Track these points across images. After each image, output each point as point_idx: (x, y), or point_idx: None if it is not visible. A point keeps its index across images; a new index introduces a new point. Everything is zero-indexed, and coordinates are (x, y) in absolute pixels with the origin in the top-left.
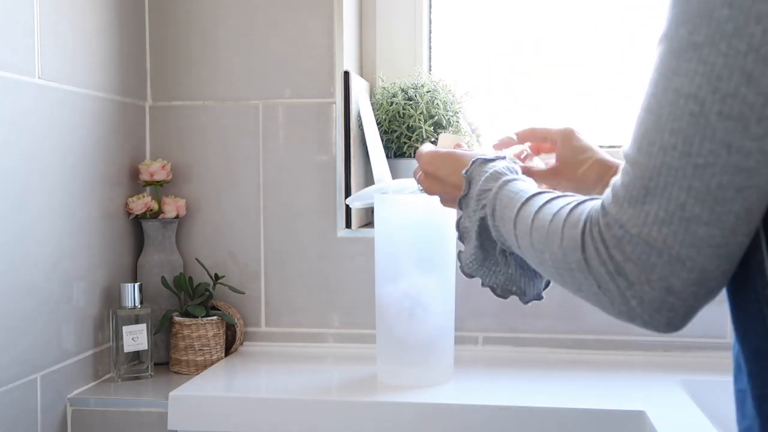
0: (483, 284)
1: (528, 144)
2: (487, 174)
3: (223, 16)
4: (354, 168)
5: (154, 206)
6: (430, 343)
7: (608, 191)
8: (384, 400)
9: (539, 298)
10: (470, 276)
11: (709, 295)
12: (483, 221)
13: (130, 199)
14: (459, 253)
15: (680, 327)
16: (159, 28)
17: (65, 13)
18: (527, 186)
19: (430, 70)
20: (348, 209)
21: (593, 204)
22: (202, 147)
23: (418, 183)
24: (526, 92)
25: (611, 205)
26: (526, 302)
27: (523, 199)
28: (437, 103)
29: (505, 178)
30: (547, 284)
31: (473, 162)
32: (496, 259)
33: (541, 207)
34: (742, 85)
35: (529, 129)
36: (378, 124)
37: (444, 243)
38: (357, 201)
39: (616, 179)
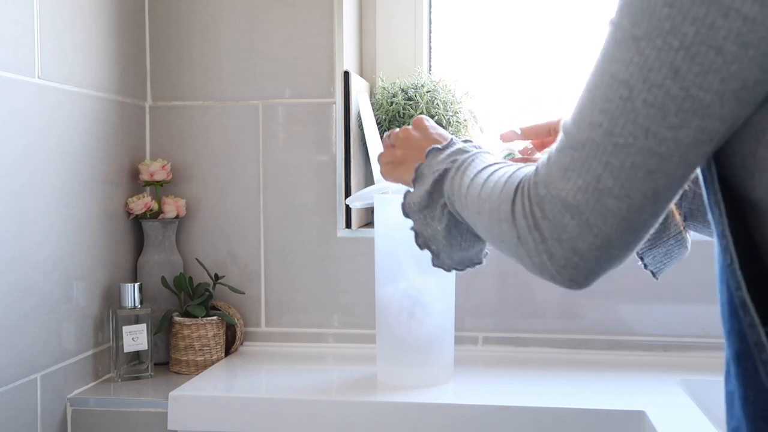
0: (411, 227)
1: (530, 141)
2: (471, 143)
3: (223, 16)
4: (354, 168)
5: (154, 206)
6: (430, 343)
7: (544, 156)
8: (384, 400)
9: (447, 269)
10: (406, 215)
11: (610, 262)
12: (445, 173)
13: (130, 199)
14: (406, 192)
15: (582, 286)
16: (159, 28)
17: (65, 13)
18: (493, 158)
19: (430, 70)
20: (348, 209)
21: (533, 168)
22: (202, 147)
23: (390, 138)
24: (526, 92)
25: (543, 168)
26: (434, 264)
27: (488, 163)
28: (437, 103)
29: (485, 150)
30: (460, 264)
31: (449, 142)
32: (434, 212)
33: (498, 169)
34: (668, 78)
35: (533, 126)
36: (378, 124)
37: None
38: (357, 201)
39: (553, 146)
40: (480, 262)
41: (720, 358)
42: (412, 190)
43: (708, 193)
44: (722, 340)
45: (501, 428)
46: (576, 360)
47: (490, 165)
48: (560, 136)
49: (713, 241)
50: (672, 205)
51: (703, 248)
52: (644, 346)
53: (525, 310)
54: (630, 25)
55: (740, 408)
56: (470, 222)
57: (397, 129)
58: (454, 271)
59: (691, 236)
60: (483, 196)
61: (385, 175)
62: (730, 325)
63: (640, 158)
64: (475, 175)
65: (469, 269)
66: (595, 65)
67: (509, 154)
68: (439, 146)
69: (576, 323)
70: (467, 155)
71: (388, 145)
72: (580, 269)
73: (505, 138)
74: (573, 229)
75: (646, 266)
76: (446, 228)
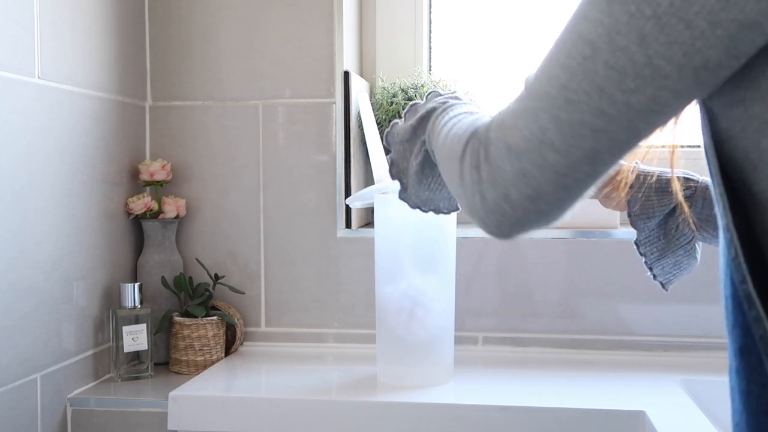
0: (390, 156)
1: None
2: (470, 99)
3: (223, 16)
4: (354, 168)
5: (154, 206)
6: (430, 343)
7: (506, 103)
8: (384, 400)
9: (412, 205)
10: (388, 144)
11: (538, 216)
12: (432, 111)
13: (130, 199)
14: (394, 122)
15: (507, 235)
16: (159, 28)
17: (65, 13)
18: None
19: (430, 70)
20: (348, 209)
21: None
22: (202, 147)
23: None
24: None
25: (499, 114)
26: (400, 197)
27: (472, 112)
28: None
29: (470, 98)
30: (427, 207)
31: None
32: (413, 147)
33: (474, 114)
34: (633, 44)
35: None
36: (378, 124)
37: (444, 243)
38: (357, 201)
39: (515, 95)
40: (446, 212)
41: (720, 358)
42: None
43: (713, 188)
44: (722, 340)
45: (501, 428)
46: (576, 360)
47: (470, 112)
48: (522, 87)
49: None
50: (682, 206)
51: (703, 248)
52: (644, 346)
53: (525, 310)
54: None
55: (741, 402)
56: (436, 161)
57: None
58: (417, 210)
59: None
60: (448, 135)
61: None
62: (734, 318)
63: (588, 116)
64: (452, 118)
65: (432, 213)
66: (567, 23)
67: None
68: (440, 91)
69: (576, 323)
70: (458, 101)
71: None
72: (507, 216)
73: None
74: (509, 175)
75: (655, 277)
76: (420, 164)
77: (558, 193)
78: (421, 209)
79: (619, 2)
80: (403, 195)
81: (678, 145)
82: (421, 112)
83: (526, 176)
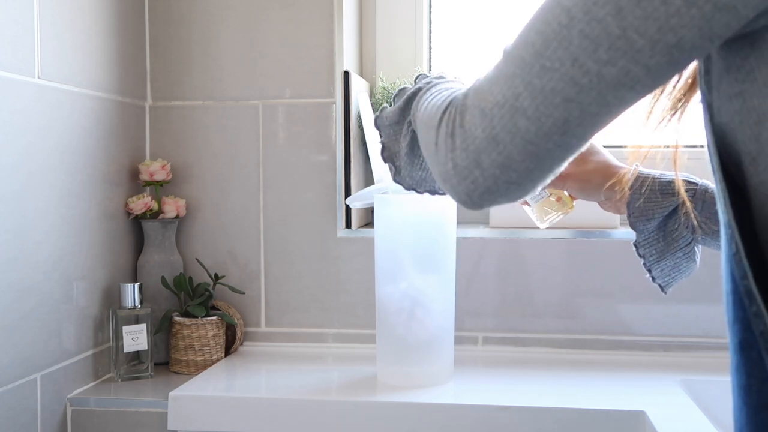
0: (380, 140)
1: None
2: (457, 77)
3: (223, 16)
4: (354, 168)
5: (154, 206)
6: (430, 343)
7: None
8: (384, 400)
9: (407, 187)
10: (377, 128)
11: (509, 186)
12: (417, 91)
13: (130, 199)
14: (382, 108)
15: (477, 204)
16: (159, 28)
17: (65, 13)
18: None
19: (430, 70)
20: (348, 209)
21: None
22: (202, 147)
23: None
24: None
25: (477, 81)
26: (395, 180)
27: (451, 86)
28: None
29: (463, 80)
30: (422, 188)
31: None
32: (401, 128)
33: (453, 86)
34: (609, 15)
35: None
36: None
37: (444, 243)
38: (357, 201)
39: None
40: (441, 193)
41: (720, 358)
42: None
43: (715, 182)
44: (722, 340)
45: (501, 428)
46: (576, 360)
47: (451, 88)
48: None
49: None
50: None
51: (703, 248)
52: (644, 346)
53: (525, 310)
54: None
55: (741, 397)
56: (419, 137)
57: None
58: (413, 192)
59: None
60: (427, 109)
61: None
62: (734, 314)
63: (561, 84)
64: (433, 93)
65: (428, 194)
66: None
67: None
68: (427, 73)
69: (576, 323)
70: (442, 80)
71: None
72: (478, 184)
73: None
74: (481, 142)
75: (654, 279)
76: (409, 145)
77: (527, 162)
78: (416, 191)
79: None
80: (397, 178)
81: (681, 145)
82: (407, 93)
83: (498, 142)
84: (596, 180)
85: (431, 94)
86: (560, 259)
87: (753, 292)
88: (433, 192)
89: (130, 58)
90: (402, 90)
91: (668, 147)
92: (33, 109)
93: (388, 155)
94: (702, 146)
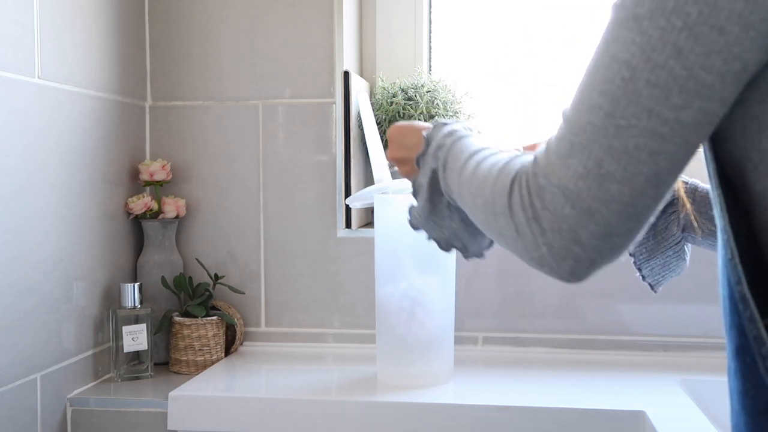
0: (428, 237)
1: None
2: (444, 132)
3: (223, 16)
4: (354, 168)
5: (154, 206)
6: (430, 343)
7: (543, 145)
8: (384, 400)
9: (480, 255)
10: (416, 228)
11: (612, 251)
12: (434, 173)
13: (130, 199)
14: (410, 207)
15: (582, 277)
16: (159, 28)
17: (65, 13)
18: (479, 141)
19: (430, 70)
20: (348, 209)
21: (530, 157)
22: (202, 147)
23: (386, 155)
24: (526, 92)
25: (542, 157)
26: (467, 257)
27: (471, 152)
28: (437, 103)
29: (460, 134)
30: (491, 243)
31: (434, 125)
32: (442, 213)
33: (486, 158)
34: (671, 58)
35: (536, 143)
36: (378, 124)
37: None
38: (357, 201)
39: (552, 134)
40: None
41: (720, 358)
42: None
43: (712, 188)
44: (722, 340)
45: (501, 428)
46: (576, 360)
47: (475, 153)
48: (560, 123)
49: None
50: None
51: (703, 248)
52: (644, 346)
53: (525, 310)
54: (633, 5)
55: (738, 402)
56: (471, 217)
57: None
58: (485, 254)
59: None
60: (474, 191)
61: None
62: (730, 319)
63: (642, 140)
64: (462, 169)
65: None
66: (596, 49)
67: None
68: (421, 151)
69: (576, 323)
70: (444, 148)
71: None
72: (581, 260)
73: None
74: (573, 219)
75: (644, 278)
76: (461, 221)
77: (628, 223)
78: (488, 249)
79: (648, 18)
80: (467, 255)
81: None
82: (426, 181)
83: (593, 214)
84: None
85: (460, 171)
86: None
87: (747, 297)
88: (479, 255)
89: (130, 58)
90: (415, 183)
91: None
92: (33, 109)
93: (445, 244)
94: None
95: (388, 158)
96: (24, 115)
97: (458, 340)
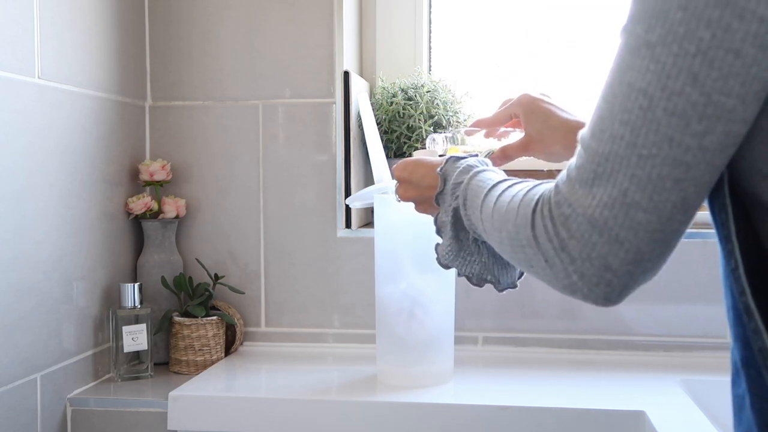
0: (459, 274)
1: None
2: (460, 168)
3: (223, 17)
4: (354, 168)
5: (154, 206)
6: (430, 343)
7: (563, 172)
8: (384, 400)
9: (513, 286)
10: (447, 267)
11: (644, 275)
12: (456, 212)
13: (130, 199)
14: (436, 246)
15: (617, 301)
16: (159, 28)
17: (65, 13)
18: (495, 175)
19: (430, 70)
20: (348, 209)
21: (548, 186)
22: (202, 147)
23: (396, 193)
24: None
25: (564, 185)
26: (500, 290)
27: (489, 186)
28: (437, 103)
29: (476, 169)
30: (521, 274)
31: (447, 160)
32: (470, 249)
33: (504, 191)
34: (687, 85)
35: (492, 116)
36: (378, 124)
37: None
38: (357, 201)
39: (572, 161)
40: (512, 287)
41: (720, 358)
42: (440, 240)
43: (713, 197)
44: (722, 340)
45: (501, 428)
46: (576, 360)
47: (493, 187)
48: (579, 149)
49: (715, 240)
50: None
51: (703, 248)
52: (644, 346)
53: (525, 310)
54: (644, 32)
55: (743, 413)
56: (497, 251)
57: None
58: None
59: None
60: (497, 225)
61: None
62: (735, 330)
63: (666, 168)
64: (483, 205)
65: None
66: (610, 74)
67: (490, 152)
68: (439, 190)
69: (576, 323)
70: (462, 185)
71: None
72: (613, 286)
73: (469, 133)
74: (602, 247)
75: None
76: (490, 255)
77: (657, 249)
78: (520, 278)
79: (660, 44)
80: (500, 288)
81: None
82: (450, 220)
83: (621, 242)
84: (558, 148)
85: (485, 208)
86: None
87: (751, 308)
88: (512, 287)
89: (130, 58)
90: (437, 221)
91: None
92: (33, 109)
93: (477, 280)
94: None
95: (401, 198)
96: (24, 115)
97: (458, 340)
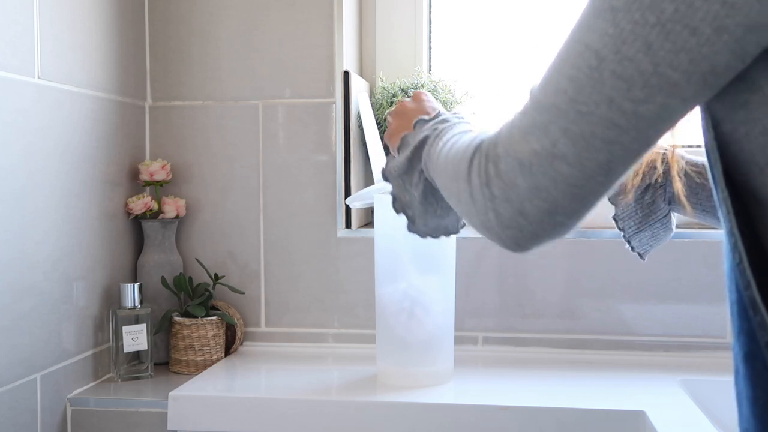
0: (390, 192)
1: None
2: (456, 114)
3: (223, 16)
4: (354, 168)
5: (154, 206)
6: (430, 343)
7: (509, 118)
8: (384, 400)
9: (422, 235)
10: (386, 180)
11: (555, 228)
12: (425, 140)
13: (130, 199)
14: (389, 158)
15: (525, 248)
16: (159, 28)
17: (65, 13)
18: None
19: (430, 70)
20: (348, 209)
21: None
22: (202, 147)
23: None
24: (525, 92)
25: (505, 128)
26: (409, 230)
27: (461, 131)
28: None
29: (466, 120)
30: (438, 233)
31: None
32: (412, 177)
33: (467, 132)
34: (640, 52)
35: None
36: (378, 124)
37: (444, 243)
38: (357, 201)
39: (518, 109)
40: (456, 232)
41: (720, 358)
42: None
43: (716, 191)
44: (722, 340)
45: (501, 428)
46: (576, 360)
47: (464, 132)
48: (527, 99)
49: (715, 240)
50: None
51: (703, 248)
52: (644, 346)
53: (525, 310)
54: None
55: (748, 409)
56: (438, 185)
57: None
58: (428, 238)
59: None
60: (448, 157)
61: (386, 141)
62: (740, 325)
63: (599, 128)
64: (447, 140)
65: (443, 237)
66: (570, 33)
67: None
68: (425, 117)
69: (576, 323)
70: (448, 124)
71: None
72: (524, 231)
73: None
74: (523, 191)
75: (633, 249)
76: (422, 194)
77: (573, 204)
78: (432, 236)
79: (624, 11)
80: (412, 228)
81: (679, 145)
82: (414, 142)
83: (540, 191)
84: None
85: (444, 142)
86: (560, 259)
87: (757, 302)
88: (447, 234)
89: (130, 58)
90: (404, 138)
91: (665, 148)
92: (33, 109)
93: (399, 206)
94: (698, 146)
95: (390, 121)
96: (24, 115)
97: (458, 340)
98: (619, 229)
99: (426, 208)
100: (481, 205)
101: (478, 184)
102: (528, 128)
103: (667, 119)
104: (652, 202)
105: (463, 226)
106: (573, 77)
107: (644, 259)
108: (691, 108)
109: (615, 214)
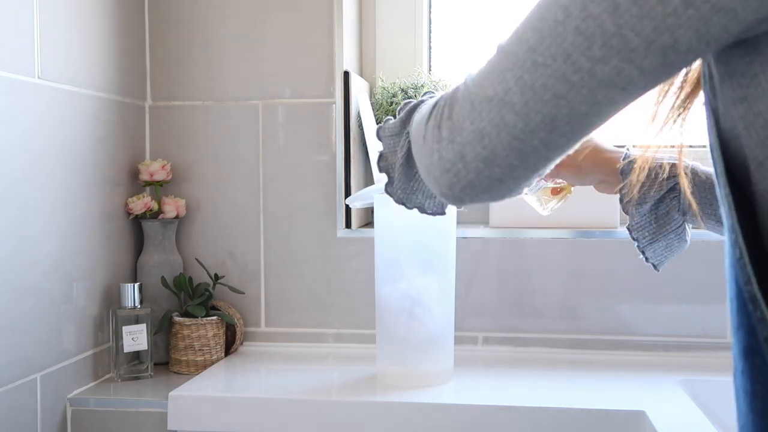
0: (380, 150)
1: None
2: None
3: (223, 16)
4: (354, 168)
5: (154, 206)
6: (430, 343)
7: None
8: (384, 400)
9: (397, 200)
10: (378, 138)
11: (491, 180)
12: (419, 104)
13: (130, 199)
14: (386, 120)
15: (459, 198)
16: (159, 28)
17: (65, 13)
18: None
19: (430, 70)
20: (348, 209)
21: None
22: (202, 147)
23: None
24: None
25: (470, 75)
26: (386, 191)
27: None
28: None
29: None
30: (412, 204)
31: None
32: (399, 139)
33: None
34: (606, 12)
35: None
36: (378, 124)
37: (444, 243)
38: (357, 201)
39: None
40: (430, 213)
41: (720, 357)
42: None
43: (719, 188)
44: (722, 340)
45: (501, 428)
46: (576, 360)
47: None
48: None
49: (715, 240)
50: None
51: (703, 248)
52: (644, 346)
53: (525, 310)
54: None
55: (746, 404)
56: (411, 140)
57: None
58: (403, 207)
59: (691, 235)
60: (421, 110)
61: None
62: (739, 320)
63: (551, 80)
64: (430, 101)
65: (417, 211)
66: None
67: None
68: (434, 92)
69: (576, 323)
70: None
71: None
72: (460, 177)
73: None
74: (467, 134)
75: (647, 259)
76: (405, 156)
77: (511, 158)
78: (405, 206)
79: None
80: (389, 188)
81: (685, 145)
82: (410, 105)
83: (483, 136)
84: (588, 166)
85: (427, 102)
86: (560, 259)
87: (757, 297)
88: (422, 209)
89: (130, 58)
90: (407, 103)
91: (673, 147)
92: (33, 109)
93: (384, 165)
94: (705, 146)
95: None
96: (24, 115)
97: (458, 340)
98: (633, 239)
99: (406, 171)
100: (429, 147)
101: (432, 125)
102: (486, 73)
103: (620, 87)
104: (666, 213)
105: (443, 213)
106: (537, 29)
107: (658, 270)
108: (648, 85)
109: (629, 225)
